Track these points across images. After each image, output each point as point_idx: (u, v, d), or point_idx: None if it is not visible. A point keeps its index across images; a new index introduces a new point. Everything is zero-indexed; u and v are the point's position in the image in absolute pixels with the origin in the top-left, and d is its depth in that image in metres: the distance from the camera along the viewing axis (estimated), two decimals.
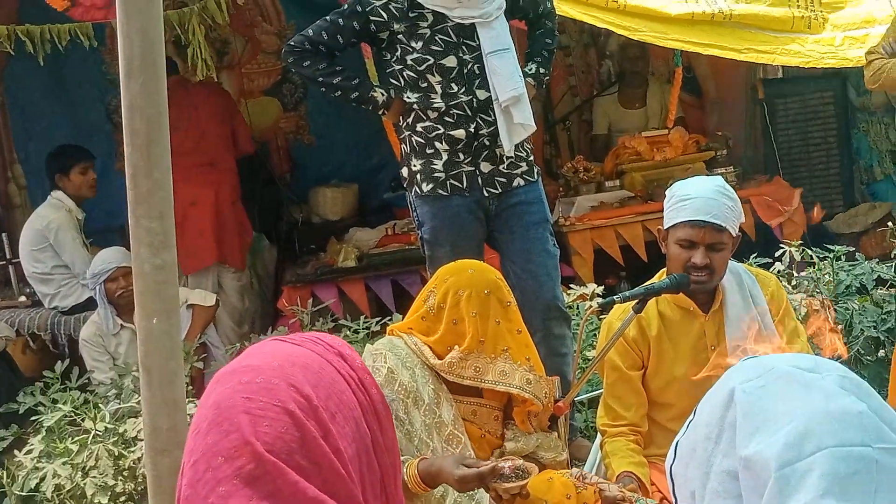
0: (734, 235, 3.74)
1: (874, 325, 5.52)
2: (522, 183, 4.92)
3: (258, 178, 8.63)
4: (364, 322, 6.25)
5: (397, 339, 3.71)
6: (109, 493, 5.15)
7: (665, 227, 3.77)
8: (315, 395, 1.44)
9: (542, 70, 5.23)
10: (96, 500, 5.13)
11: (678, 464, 1.40)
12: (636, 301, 3.69)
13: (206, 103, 7.38)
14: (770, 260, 6.32)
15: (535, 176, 4.98)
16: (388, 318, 6.16)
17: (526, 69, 5.13)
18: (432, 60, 4.88)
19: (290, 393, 1.43)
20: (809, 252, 6.31)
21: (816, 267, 6.16)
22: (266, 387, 1.43)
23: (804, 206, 8.21)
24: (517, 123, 4.82)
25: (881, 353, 5.37)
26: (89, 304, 6.95)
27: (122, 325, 6.55)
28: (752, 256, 6.30)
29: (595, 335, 5.53)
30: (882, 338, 5.42)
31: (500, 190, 4.90)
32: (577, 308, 6.06)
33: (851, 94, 9.07)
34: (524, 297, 5.02)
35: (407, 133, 5.02)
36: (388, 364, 3.57)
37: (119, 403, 5.78)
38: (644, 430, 3.85)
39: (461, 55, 4.87)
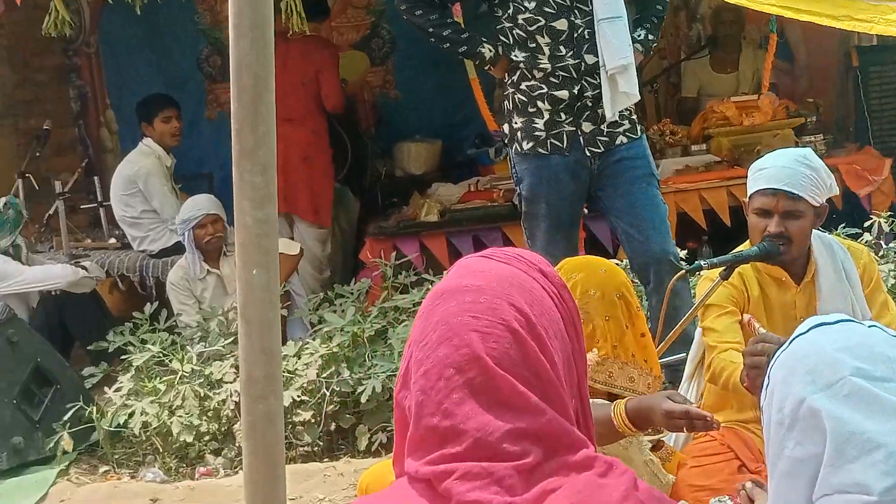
0: (816, 205, 3.69)
1: None
2: (625, 140, 4.95)
3: (346, 132, 8.68)
4: None
5: None
6: (194, 432, 5.29)
7: (747, 198, 3.77)
8: (531, 312, 1.60)
9: (650, 37, 5.24)
10: (182, 438, 5.28)
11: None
12: (723, 268, 3.69)
13: (294, 61, 7.43)
14: (858, 231, 6.25)
15: (639, 133, 5.01)
16: None
17: (634, 35, 5.12)
18: (543, 22, 4.90)
19: (512, 312, 1.59)
20: None
21: None
22: (490, 306, 1.59)
23: (894, 177, 8.08)
24: (622, 92, 4.84)
25: None
26: (177, 249, 7.09)
27: (208, 270, 6.69)
28: (840, 227, 6.24)
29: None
30: None
31: (602, 149, 4.93)
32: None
33: None
34: (633, 251, 5.07)
35: (511, 90, 5.08)
36: None
37: (205, 346, 5.91)
38: None
39: (573, 19, 4.89)
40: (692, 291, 5.01)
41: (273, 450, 2.37)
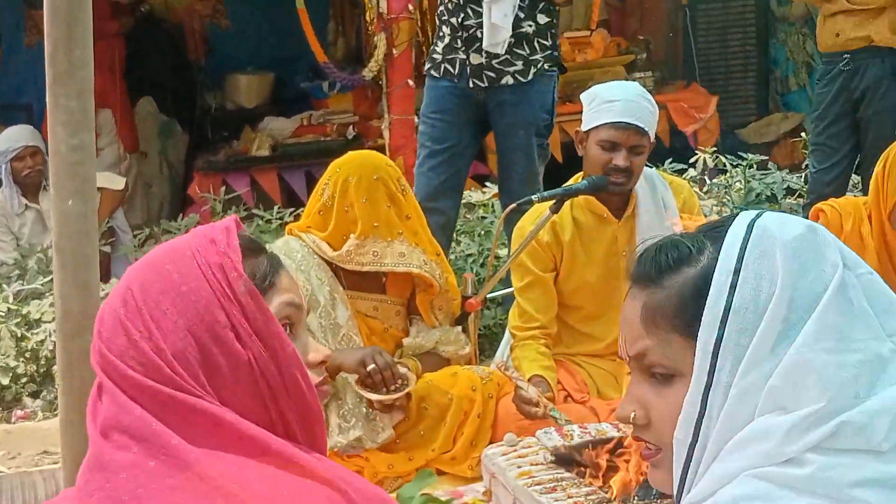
0: (652, 141, 3.77)
1: None
2: (511, 81, 4.82)
3: (169, 62, 8.42)
4: (277, 212, 6.20)
5: (294, 239, 3.71)
6: (11, 374, 5.09)
7: (585, 129, 3.76)
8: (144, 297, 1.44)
9: None
10: None
11: None
12: (553, 201, 3.70)
13: None
14: (684, 166, 6.40)
15: (530, 76, 4.84)
16: (301, 208, 6.12)
17: None
18: None
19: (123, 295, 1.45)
20: (722, 159, 6.40)
21: (728, 174, 6.26)
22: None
23: (719, 114, 8.30)
24: (493, 23, 4.73)
25: None
26: None
27: (26, 205, 6.41)
28: (666, 162, 6.37)
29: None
30: None
31: (485, 83, 4.83)
32: (493, 206, 6.08)
33: (773, 2, 9.12)
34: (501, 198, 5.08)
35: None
36: None
37: (22, 284, 5.69)
38: (554, 331, 3.89)
39: None
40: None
41: (90, 389, 2.27)
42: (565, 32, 8.34)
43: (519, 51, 4.83)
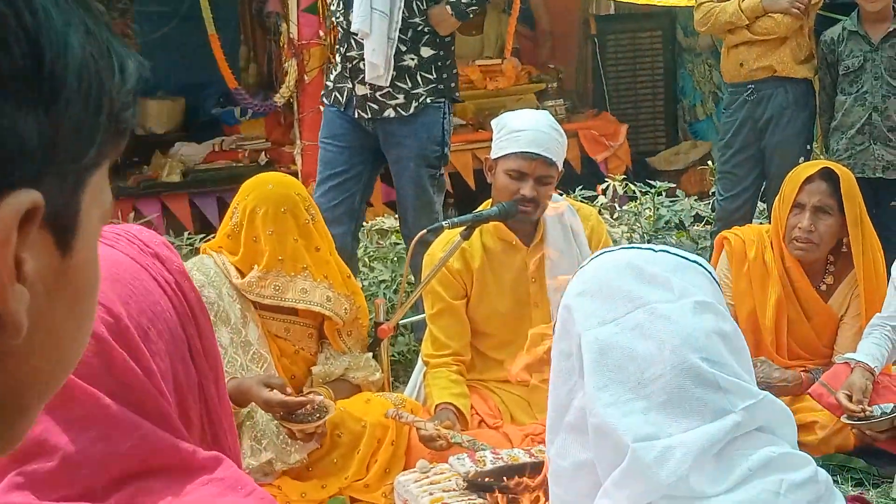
0: (560, 170, 3.81)
1: None
2: (393, 114, 4.82)
3: None
4: (188, 238, 6.13)
5: (207, 257, 3.69)
6: None
7: (494, 157, 3.79)
8: (126, 312, 1.37)
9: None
10: None
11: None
12: (464, 227, 3.72)
13: None
14: (595, 193, 6.47)
15: (411, 109, 4.82)
16: (212, 235, 6.06)
17: None
18: None
19: (100, 314, 1.34)
20: (632, 187, 6.48)
21: (638, 201, 6.34)
22: None
23: (629, 142, 8.41)
24: (368, 60, 4.74)
25: None
26: None
27: None
28: (577, 189, 6.43)
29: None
30: None
31: (369, 115, 4.83)
32: None
33: (679, 34, 9.28)
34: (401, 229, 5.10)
35: None
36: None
37: None
38: (467, 358, 3.90)
39: None
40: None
41: None
42: (476, 60, 8.41)
43: (401, 84, 4.82)
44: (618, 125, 8.43)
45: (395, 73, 4.76)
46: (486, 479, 3.08)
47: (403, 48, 4.77)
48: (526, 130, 3.73)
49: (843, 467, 3.66)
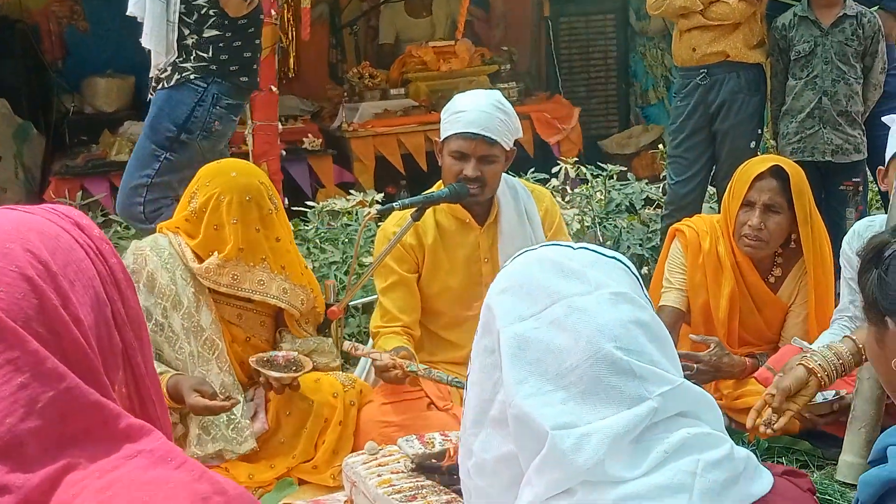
0: (507, 149, 3.78)
1: (640, 242, 5.74)
2: (159, 87, 4.75)
3: (25, 63, 8.17)
4: None
5: (162, 237, 3.64)
6: None
7: (441, 140, 3.79)
8: (53, 260, 1.32)
9: None
10: None
11: None
12: (415, 209, 3.71)
13: None
14: (546, 175, 6.47)
15: (174, 82, 4.67)
16: None
17: None
18: None
19: (27, 258, 1.30)
20: (584, 170, 6.50)
21: (589, 184, 6.36)
22: (1, 251, 1.29)
23: (581, 126, 8.43)
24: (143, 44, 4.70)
25: (644, 269, 5.60)
26: None
27: None
28: (529, 171, 6.44)
29: (373, 241, 5.55)
30: (646, 255, 5.65)
31: (153, 94, 4.82)
32: (357, 214, 6.06)
33: (632, 17, 9.30)
34: None
35: None
36: (148, 267, 3.54)
37: None
38: (417, 334, 3.89)
39: None
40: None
41: None
42: (429, 42, 8.39)
43: (176, 59, 4.71)
44: (570, 108, 8.45)
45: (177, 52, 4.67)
46: (435, 461, 3.07)
47: (187, 30, 4.66)
48: (466, 111, 3.73)
49: (788, 449, 3.70)
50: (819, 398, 3.54)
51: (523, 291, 1.49)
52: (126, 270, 1.42)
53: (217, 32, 4.68)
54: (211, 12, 4.66)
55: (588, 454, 1.36)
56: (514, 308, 1.48)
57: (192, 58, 4.67)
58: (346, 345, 3.61)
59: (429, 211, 3.80)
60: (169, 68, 4.68)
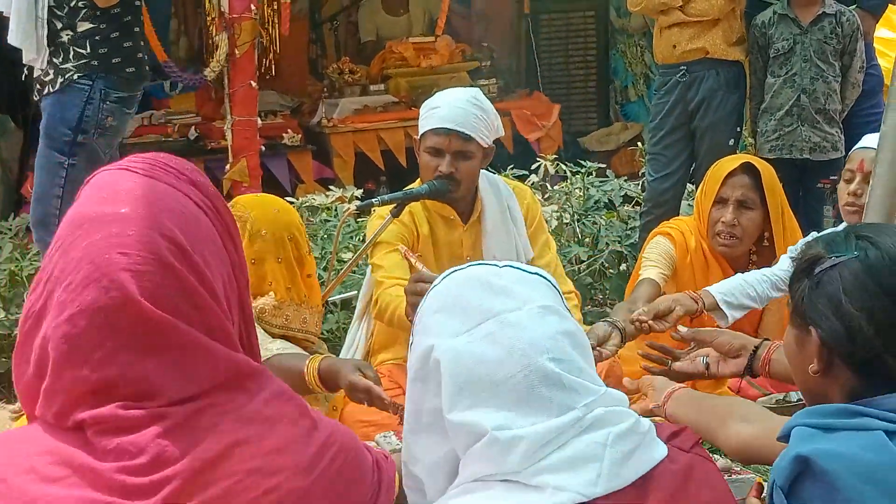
0: (484, 146, 3.76)
1: (619, 239, 5.75)
2: (46, 93, 4.67)
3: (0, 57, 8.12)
4: None
5: None
6: None
7: (418, 137, 3.79)
8: (186, 239, 1.49)
9: None
10: None
11: None
12: (394, 205, 3.69)
13: None
14: (526, 172, 6.48)
15: (59, 86, 4.59)
16: None
17: None
18: None
19: (164, 243, 1.47)
20: (563, 166, 6.50)
21: (569, 181, 6.36)
22: (140, 239, 1.46)
23: (561, 122, 8.44)
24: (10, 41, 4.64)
25: (623, 266, 5.61)
26: None
27: None
28: (508, 168, 6.44)
29: (352, 237, 5.54)
30: (625, 252, 5.66)
31: (38, 97, 4.77)
32: (336, 210, 6.05)
33: (612, 14, 9.31)
34: None
35: None
36: None
37: None
38: None
39: None
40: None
41: None
42: (410, 38, 8.38)
43: (55, 60, 4.60)
44: (550, 105, 8.46)
45: (52, 50, 4.56)
46: None
47: (60, 24, 4.56)
48: (441, 107, 3.72)
49: None
50: (792, 396, 3.56)
51: (457, 309, 1.60)
52: (234, 218, 1.63)
53: (91, 25, 4.57)
54: (81, 4, 4.55)
55: (518, 456, 1.49)
56: (448, 325, 1.59)
57: (71, 56, 4.56)
58: (401, 248, 3.40)
59: (419, 204, 3.79)
60: (51, 72, 4.58)
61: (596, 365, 1.68)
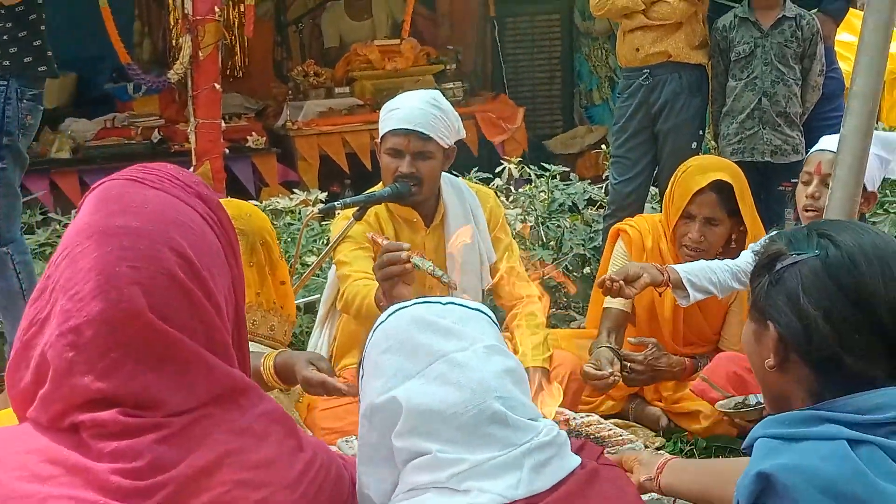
0: (445, 147, 3.75)
1: (583, 243, 5.77)
2: None
3: None
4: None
5: None
6: None
7: (379, 140, 3.78)
8: (194, 254, 1.52)
9: None
10: None
11: None
12: (357, 208, 3.68)
13: None
14: (490, 175, 6.49)
15: None
16: None
17: None
18: None
19: (173, 258, 1.49)
20: (528, 170, 6.52)
21: (533, 184, 6.38)
22: (150, 254, 1.48)
23: (526, 126, 8.46)
24: None
25: (587, 269, 5.63)
26: None
27: None
28: (473, 171, 6.45)
29: (316, 241, 5.53)
30: (589, 255, 5.67)
31: None
32: (300, 213, 6.03)
33: (577, 18, 9.34)
34: None
35: None
36: None
37: None
38: None
39: None
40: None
41: None
42: (375, 40, 8.38)
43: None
44: (515, 108, 8.48)
45: None
46: None
47: None
48: (399, 108, 3.72)
49: (725, 448, 3.74)
50: (752, 399, 3.58)
51: (405, 350, 1.69)
52: (234, 229, 1.66)
53: (4, 24, 4.55)
54: None
55: (454, 472, 1.61)
56: (400, 367, 1.67)
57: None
58: (368, 234, 3.39)
59: (383, 207, 3.78)
60: None
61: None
